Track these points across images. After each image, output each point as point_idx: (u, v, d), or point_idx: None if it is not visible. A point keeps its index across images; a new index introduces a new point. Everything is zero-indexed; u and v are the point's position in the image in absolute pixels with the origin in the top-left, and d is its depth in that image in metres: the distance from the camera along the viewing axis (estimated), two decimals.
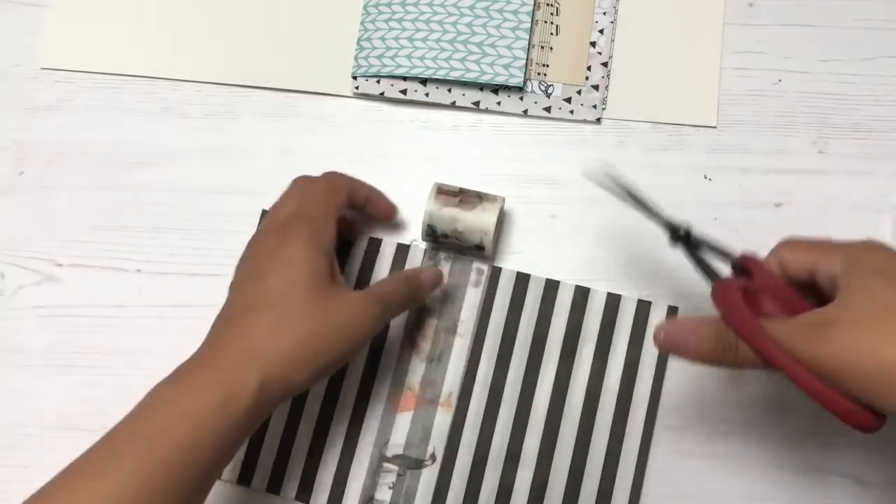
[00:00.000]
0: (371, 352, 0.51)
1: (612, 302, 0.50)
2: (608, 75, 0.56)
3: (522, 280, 0.51)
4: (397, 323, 0.51)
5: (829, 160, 0.54)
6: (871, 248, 0.37)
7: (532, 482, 0.48)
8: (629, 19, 0.57)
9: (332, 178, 0.48)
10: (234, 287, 0.43)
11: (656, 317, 0.50)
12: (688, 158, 0.55)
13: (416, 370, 0.50)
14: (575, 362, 0.49)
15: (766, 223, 0.53)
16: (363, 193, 0.50)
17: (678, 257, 0.55)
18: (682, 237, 0.43)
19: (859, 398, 0.34)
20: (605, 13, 0.57)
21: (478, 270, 0.51)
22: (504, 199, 0.51)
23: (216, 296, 0.44)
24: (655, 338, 0.39)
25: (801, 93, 0.55)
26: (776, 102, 0.55)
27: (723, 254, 0.42)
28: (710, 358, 0.38)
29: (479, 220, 0.49)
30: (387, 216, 0.53)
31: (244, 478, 0.49)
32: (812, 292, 0.39)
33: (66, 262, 0.54)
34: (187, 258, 0.54)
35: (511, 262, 0.53)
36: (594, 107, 0.55)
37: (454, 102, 0.56)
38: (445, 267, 0.51)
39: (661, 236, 0.53)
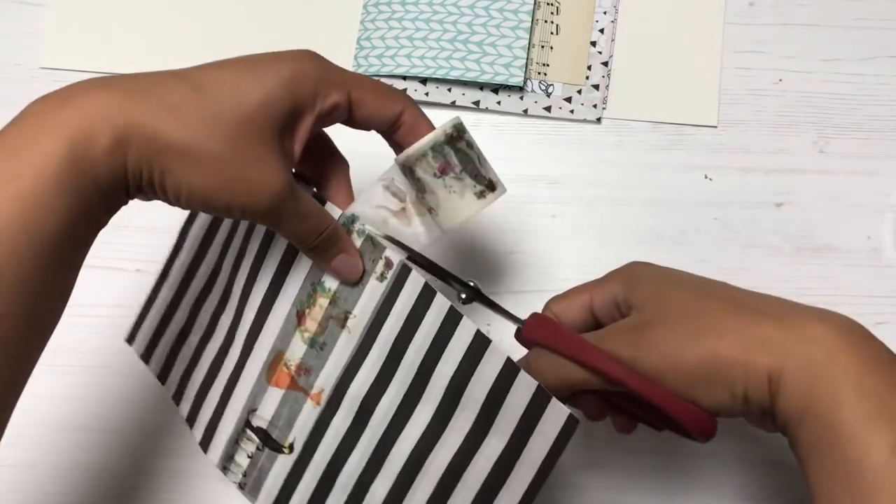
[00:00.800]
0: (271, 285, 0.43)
1: (507, 374, 0.36)
2: (608, 75, 0.56)
3: (427, 295, 0.38)
4: (294, 284, 0.43)
5: (829, 160, 0.54)
6: (640, 265, 0.38)
7: None
8: (630, 19, 0.57)
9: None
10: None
11: (552, 417, 0.35)
12: (688, 158, 0.55)
13: (297, 349, 0.42)
14: (451, 422, 0.38)
15: (767, 223, 0.53)
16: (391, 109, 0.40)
17: (678, 259, 0.55)
18: (475, 291, 0.40)
19: (690, 399, 0.33)
20: (605, 12, 0.57)
21: (387, 262, 0.40)
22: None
23: None
24: None
25: (802, 92, 0.55)
26: (777, 102, 0.55)
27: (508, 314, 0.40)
28: (555, 391, 0.34)
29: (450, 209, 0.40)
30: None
31: (162, 377, 0.48)
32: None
33: None
34: None
35: (510, 261, 0.53)
36: (594, 106, 0.55)
37: (454, 102, 0.56)
38: (358, 241, 0.41)
39: (660, 237, 0.53)
